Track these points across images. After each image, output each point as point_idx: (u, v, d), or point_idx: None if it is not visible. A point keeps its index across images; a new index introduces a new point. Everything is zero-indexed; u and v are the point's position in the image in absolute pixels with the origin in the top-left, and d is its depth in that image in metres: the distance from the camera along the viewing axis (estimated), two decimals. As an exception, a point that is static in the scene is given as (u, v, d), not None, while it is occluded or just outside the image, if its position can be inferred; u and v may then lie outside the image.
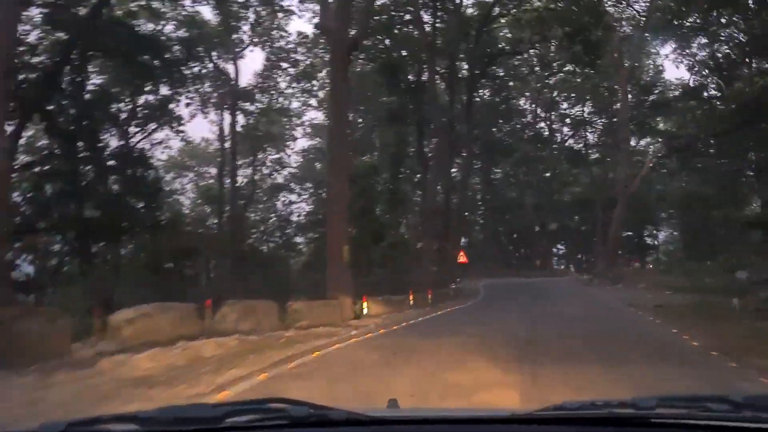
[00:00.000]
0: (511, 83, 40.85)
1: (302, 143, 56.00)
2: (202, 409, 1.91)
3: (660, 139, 45.74)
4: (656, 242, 59.26)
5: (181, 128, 35.71)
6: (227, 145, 36.37)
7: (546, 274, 46.16)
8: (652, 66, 43.78)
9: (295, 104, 44.73)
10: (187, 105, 34.58)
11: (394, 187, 29.69)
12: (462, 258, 29.21)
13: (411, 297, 20.73)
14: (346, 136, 19.83)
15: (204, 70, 34.74)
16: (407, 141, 31.71)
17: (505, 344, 9.44)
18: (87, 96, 28.01)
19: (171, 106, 34.04)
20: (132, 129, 33.08)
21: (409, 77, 31.66)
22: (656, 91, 41.49)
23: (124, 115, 31.52)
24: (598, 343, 9.63)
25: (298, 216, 48.92)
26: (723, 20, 36.56)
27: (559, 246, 61.60)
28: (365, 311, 17.82)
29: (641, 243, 55.77)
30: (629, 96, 38.18)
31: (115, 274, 27.60)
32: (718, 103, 37.99)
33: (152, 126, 33.74)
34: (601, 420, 1.62)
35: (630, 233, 52.93)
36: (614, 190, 44.07)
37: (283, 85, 37.97)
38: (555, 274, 48.01)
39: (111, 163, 29.54)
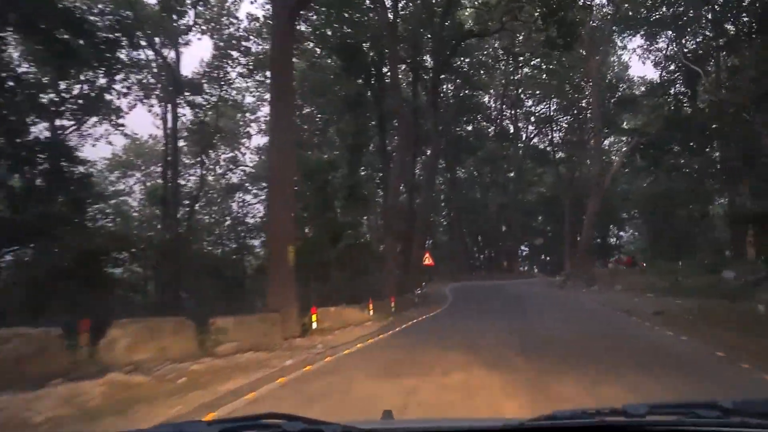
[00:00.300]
0: (476, 77, 37.56)
1: (258, 140, 51.71)
2: (196, 426, 1.77)
3: (624, 138, 43.65)
4: (619, 242, 57.30)
5: (120, 122, 31.68)
6: (176, 141, 32.05)
7: (514, 276, 43.25)
8: (617, 63, 41.57)
9: (249, 99, 40.99)
10: (125, 95, 30.24)
11: (353, 182, 26.01)
12: (427, 260, 25.78)
13: (371, 306, 17.15)
14: (291, 115, 16.15)
15: (143, 57, 30.59)
16: (367, 133, 28.10)
17: (505, 394, 5.92)
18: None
19: (109, 97, 30.02)
20: (66, 122, 28.94)
21: (372, 70, 28.01)
22: (622, 88, 39.07)
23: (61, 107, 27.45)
24: (645, 387, 6.18)
25: (253, 218, 44.93)
26: (690, 13, 34.52)
27: (523, 247, 59.02)
28: (314, 325, 14.18)
29: (605, 243, 53.58)
30: (592, 98, 35.45)
31: (38, 281, 23.34)
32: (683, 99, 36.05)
33: (87, 118, 29.54)
34: (593, 429, 1.53)
35: (582, 235, 50.61)
36: (582, 190, 41.60)
37: (233, 75, 33.94)
38: (523, 276, 45.10)
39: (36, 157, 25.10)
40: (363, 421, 1.85)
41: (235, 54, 33.15)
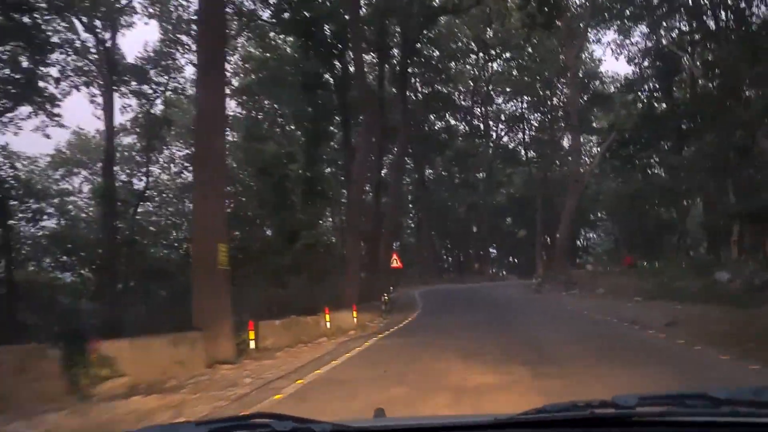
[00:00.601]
0: (445, 69, 34.46)
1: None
2: (185, 428, 1.80)
3: (593, 138, 41.54)
4: (587, 245, 55.09)
5: (56, 111, 27.60)
6: (112, 131, 28.07)
7: (484, 278, 40.28)
8: (589, 59, 39.22)
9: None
10: (58, 81, 26.18)
11: (311, 176, 22.54)
12: (395, 262, 22.55)
13: (327, 318, 13.75)
14: (221, 84, 12.69)
15: (78, 39, 26.58)
16: (328, 120, 24.61)
17: None
18: None
19: (42, 84, 26.01)
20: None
21: (333, 50, 24.49)
22: (596, 84, 36.67)
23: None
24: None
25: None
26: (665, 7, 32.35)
27: (491, 249, 56.28)
28: (252, 345, 10.79)
29: (573, 245, 51.21)
30: (568, 91, 32.79)
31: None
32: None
33: (12, 105, 25.40)
34: (582, 421, 1.49)
35: (559, 235, 48.35)
36: (554, 189, 39.11)
37: (184, 62, 30.12)
38: (494, 279, 42.16)
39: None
40: (355, 420, 1.79)
41: (185, 39, 29.43)
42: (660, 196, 34.17)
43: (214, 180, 11.16)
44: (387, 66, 30.88)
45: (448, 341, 10.39)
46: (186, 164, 40.49)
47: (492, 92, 42.65)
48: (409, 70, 31.21)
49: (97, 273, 30.44)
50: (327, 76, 26.22)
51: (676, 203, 31.23)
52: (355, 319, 15.18)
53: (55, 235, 35.76)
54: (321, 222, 29.43)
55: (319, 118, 22.91)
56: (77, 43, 27.03)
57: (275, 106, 32.84)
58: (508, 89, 41.39)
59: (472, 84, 41.32)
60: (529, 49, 35.18)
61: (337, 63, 26.29)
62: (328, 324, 13.58)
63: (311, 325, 13.12)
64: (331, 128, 31.10)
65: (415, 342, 10.85)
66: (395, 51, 30.11)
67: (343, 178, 33.21)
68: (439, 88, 35.30)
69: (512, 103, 43.17)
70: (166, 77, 29.88)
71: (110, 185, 26.19)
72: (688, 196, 30.07)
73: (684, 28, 33.49)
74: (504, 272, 56.27)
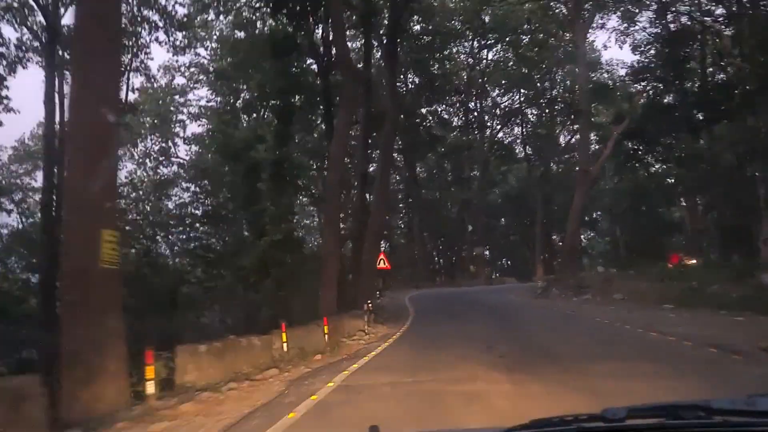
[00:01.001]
0: (439, 47, 30.23)
1: (194, 128, 43.44)
2: None
3: (593, 136, 37.73)
4: (581, 246, 51.13)
5: (3, 94, 23.32)
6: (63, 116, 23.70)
7: (479, 282, 36.10)
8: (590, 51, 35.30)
9: (178, 80, 33.20)
10: (1, 56, 21.92)
11: (280, 158, 18.25)
12: (382, 263, 18.36)
13: (284, 337, 9.48)
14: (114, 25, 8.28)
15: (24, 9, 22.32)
16: (301, 93, 20.36)
17: None
18: None
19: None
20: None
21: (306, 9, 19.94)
22: (598, 75, 32.78)
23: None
24: None
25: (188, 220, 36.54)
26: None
27: (485, 252, 52.15)
28: (149, 389, 6.57)
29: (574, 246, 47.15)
30: (577, 71, 28.80)
31: None
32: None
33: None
34: None
35: (555, 236, 44.65)
36: (556, 186, 35.20)
37: (148, 40, 25.80)
38: (491, 282, 37.93)
39: None
40: None
41: (151, 15, 25.13)
42: (668, 193, 30.45)
43: (96, 133, 6.97)
44: (375, 53, 26.94)
45: (457, 384, 6.23)
46: (162, 158, 36.19)
47: (487, 85, 38.53)
48: (400, 56, 27.18)
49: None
50: (297, 27, 21.75)
51: (684, 200, 27.33)
52: (326, 337, 10.94)
53: (21, 234, 31.60)
54: (296, 215, 25.24)
55: (290, 90, 18.66)
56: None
57: (255, 94, 28.80)
58: (504, 81, 37.32)
59: (466, 76, 37.22)
60: (527, 37, 31.36)
61: (321, 48, 22.11)
62: (284, 346, 9.35)
63: (259, 349, 8.90)
64: (318, 122, 27.09)
65: (408, 386, 6.62)
66: (382, 27, 25.93)
67: (326, 172, 29.05)
68: (431, 70, 31.06)
69: (508, 96, 39.07)
70: (128, 56, 25.53)
71: (50, 174, 21.78)
72: (704, 191, 26.12)
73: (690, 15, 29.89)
74: (498, 274, 52.18)
